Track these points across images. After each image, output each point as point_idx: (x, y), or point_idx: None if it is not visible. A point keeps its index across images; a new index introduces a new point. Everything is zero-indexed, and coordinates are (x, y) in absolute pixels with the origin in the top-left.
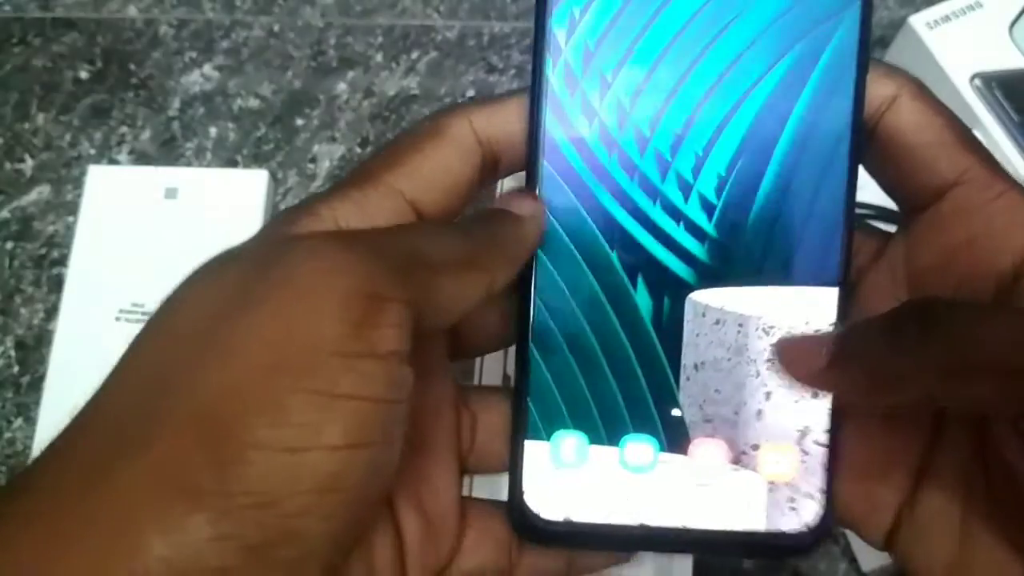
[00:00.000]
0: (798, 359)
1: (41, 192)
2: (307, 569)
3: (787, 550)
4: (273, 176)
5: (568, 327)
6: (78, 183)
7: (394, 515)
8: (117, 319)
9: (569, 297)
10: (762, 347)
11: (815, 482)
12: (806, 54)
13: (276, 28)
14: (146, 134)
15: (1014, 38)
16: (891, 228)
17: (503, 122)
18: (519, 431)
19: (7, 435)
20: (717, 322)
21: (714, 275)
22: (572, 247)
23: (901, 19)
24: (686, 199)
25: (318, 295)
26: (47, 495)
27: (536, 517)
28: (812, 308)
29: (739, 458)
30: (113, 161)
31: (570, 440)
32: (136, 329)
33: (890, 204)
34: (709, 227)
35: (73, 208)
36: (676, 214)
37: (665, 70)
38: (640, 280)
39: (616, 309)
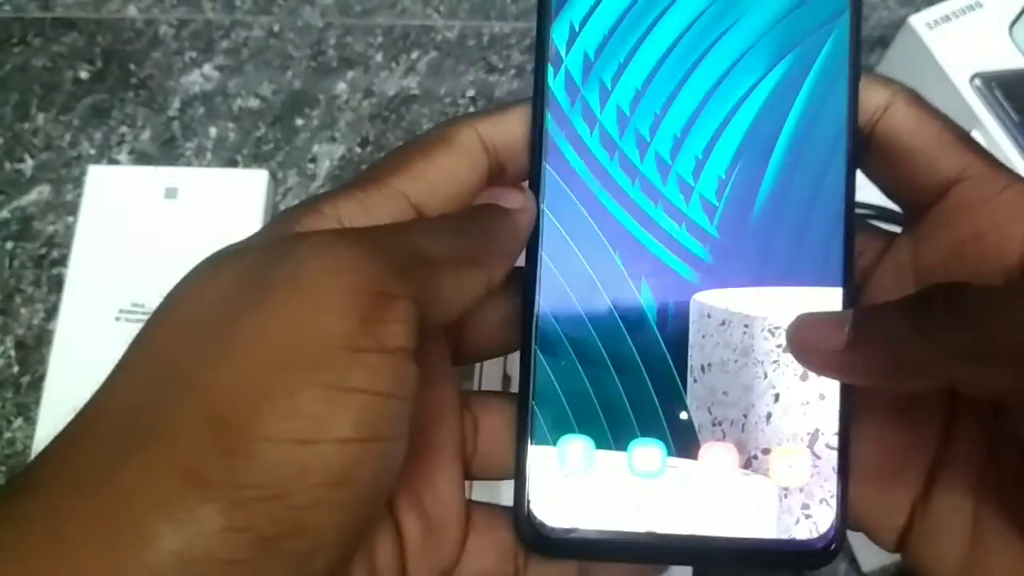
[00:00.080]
0: (815, 338)
1: (41, 192)
2: (316, 562)
3: (804, 559)
4: (273, 176)
5: (573, 331)
6: (78, 183)
7: (395, 517)
8: (117, 319)
9: (574, 301)
10: (768, 348)
11: (828, 487)
12: (800, 58)
13: (276, 28)
14: (146, 134)
15: (1014, 38)
16: (893, 228)
17: (508, 131)
18: (524, 436)
19: (7, 435)
20: (723, 323)
21: (718, 276)
22: (576, 251)
23: (901, 19)
24: (687, 201)
25: (325, 292)
26: (55, 490)
27: (542, 526)
28: (817, 308)
29: (749, 462)
30: (113, 161)
31: (576, 445)
32: (136, 329)
33: (890, 204)
34: (711, 228)
35: (73, 208)
36: (678, 216)
37: (663, 77)
38: (644, 282)
39: (621, 312)
